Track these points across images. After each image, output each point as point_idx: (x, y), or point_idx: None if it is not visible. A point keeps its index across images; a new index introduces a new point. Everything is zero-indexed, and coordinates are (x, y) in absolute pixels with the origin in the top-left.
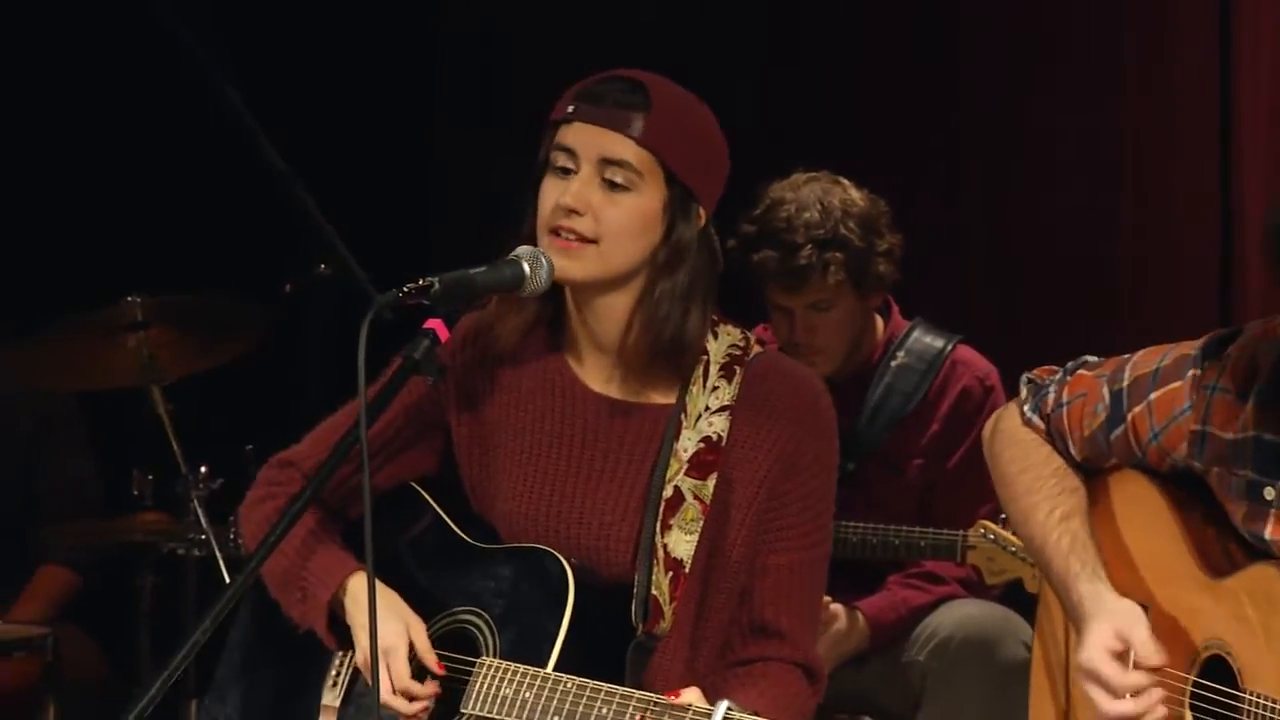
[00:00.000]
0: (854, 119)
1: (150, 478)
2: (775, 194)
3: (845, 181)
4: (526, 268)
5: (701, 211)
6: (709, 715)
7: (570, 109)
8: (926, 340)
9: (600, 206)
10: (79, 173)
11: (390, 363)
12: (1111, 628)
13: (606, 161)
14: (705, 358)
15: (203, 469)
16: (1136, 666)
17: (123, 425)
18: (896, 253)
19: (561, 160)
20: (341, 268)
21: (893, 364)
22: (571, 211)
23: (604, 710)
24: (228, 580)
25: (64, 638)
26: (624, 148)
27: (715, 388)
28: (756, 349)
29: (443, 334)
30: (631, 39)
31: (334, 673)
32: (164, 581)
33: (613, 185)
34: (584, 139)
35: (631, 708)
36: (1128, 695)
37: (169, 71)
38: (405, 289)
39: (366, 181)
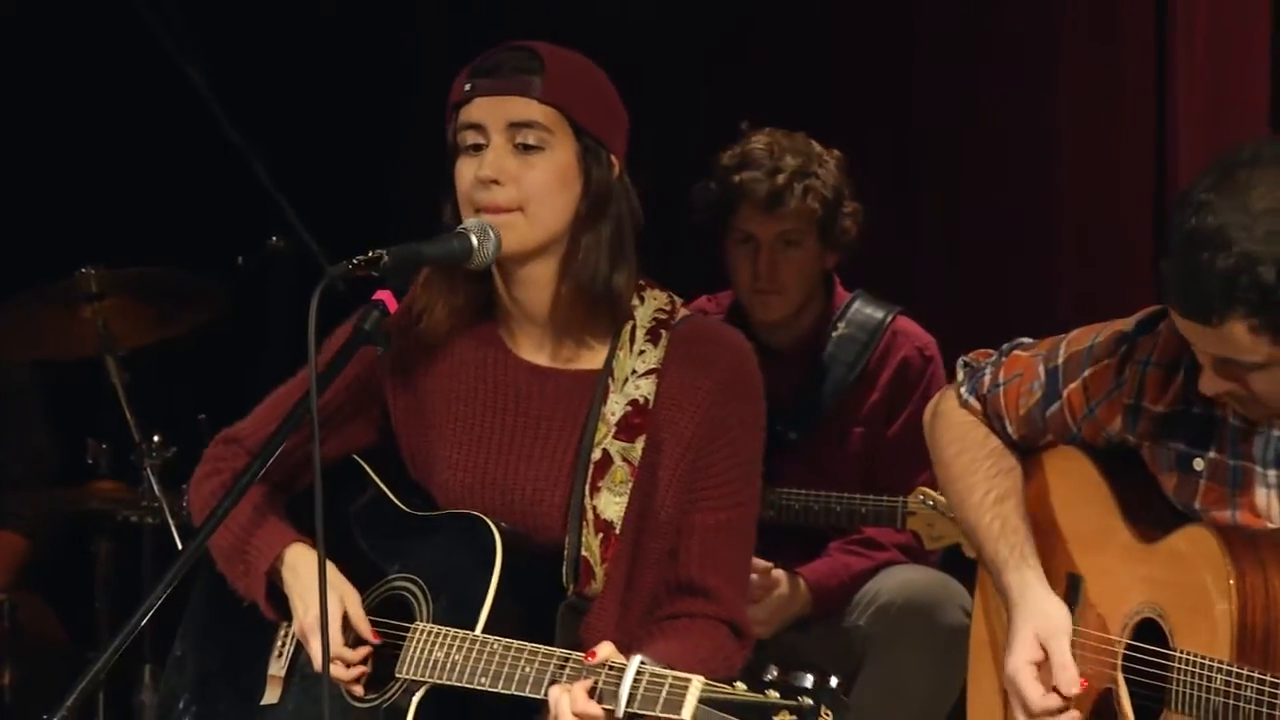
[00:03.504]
0: (805, 97)
1: (105, 446)
2: (755, 138)
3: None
4: (474, 240)
5: (614, 160)
6: (623, 670)
7: (468, 87)
8: (867, 311)
9: (518, 172)
10: (34, 145)
11: (332, 334)
12: (1035, 637)
13: (515, 125)
14: (632, 322)
15: (156, 438)
16: (1055, 689)
17: (78, 395)
18: (859, 217)
19: (470, 138)
20: (295, 240)
21: (834, 334)
22: (491, 182)
23: (527, 669)
24: (181, 547)
25: (21, 604)
26: (528, 108)
27: (642, 351)
28: (683, 312)
29: (391, 305)
30: (590, 13)
31: (279, 643)
32: (119, 548)
33: (525, 148)
34: (488, 110)
35: (553, 665)
36: (1047, 713)
37: (126, 44)
38: (355, 261)
39: (325, 155)
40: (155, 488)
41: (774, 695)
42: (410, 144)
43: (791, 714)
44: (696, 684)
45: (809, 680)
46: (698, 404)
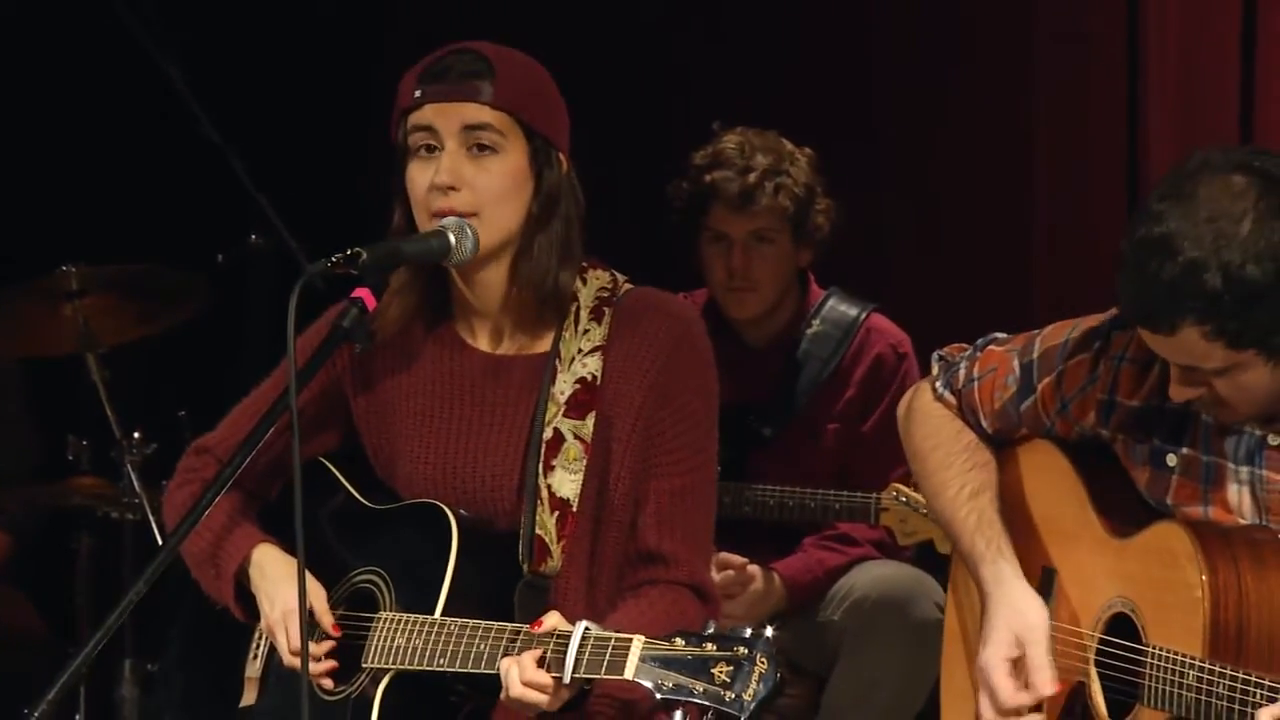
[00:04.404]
0: (773, 92)
1: (86, 443)
2: (727, 137)
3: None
4: (452, 238)
5: (562, 158)
6: (568, 636)
7: (418, 93)
8: (842, 309)
9: (473, 177)
10: (15, 143)
11: (304, 332)
12: (1013, 634)
13: (469, 129)
14: (576, 303)
15: (136, 435)
16: (1028, 686)
17: (59, 392)
18: (831, 214)
19: (423, 142)
20: (275, 238)
21: (809, 331)
22: (449, 188)
23: (482, 646)
24: (161, 543)
25: (2, 598)
26: (482, 112)
27: (586, 330)
28: (626, 287)
29: (370, 303)
30: (572, 15)
31: (254, 646)
32: (100, 544)
33: (480, 149)
34: (441, 115)
35: (505, 640)
36: (1016, 712)
37: (106, 43)
38: (334, 259)
39: (304, 153)
40: (136, 484)
41: (711, 648)
42: (388, 143)
43: (728, 664)
44: (638, 643)
45: (746, 631)
46: (645, 372)
